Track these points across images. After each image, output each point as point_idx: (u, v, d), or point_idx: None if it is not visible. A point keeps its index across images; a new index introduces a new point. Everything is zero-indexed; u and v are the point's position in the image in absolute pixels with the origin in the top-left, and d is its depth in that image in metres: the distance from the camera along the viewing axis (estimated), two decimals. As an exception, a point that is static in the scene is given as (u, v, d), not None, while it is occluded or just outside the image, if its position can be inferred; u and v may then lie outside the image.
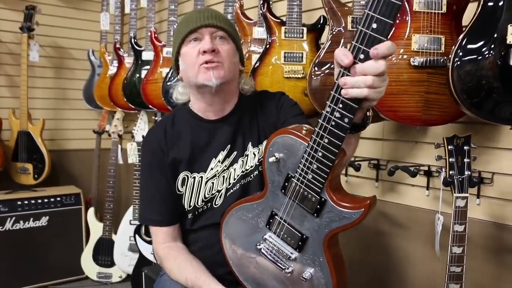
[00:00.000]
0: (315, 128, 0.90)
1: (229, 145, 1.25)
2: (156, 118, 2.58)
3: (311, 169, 0.94)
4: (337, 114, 0.85)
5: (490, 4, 1.14)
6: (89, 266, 2.82)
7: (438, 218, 1.32)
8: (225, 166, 1.24)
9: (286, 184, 1.02)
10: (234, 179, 1.24)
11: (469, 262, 1.23)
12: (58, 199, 2.81)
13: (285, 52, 1.69)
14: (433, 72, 1.30)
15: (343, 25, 1.52)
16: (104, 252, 2.81)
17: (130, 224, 2.69)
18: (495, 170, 1.42)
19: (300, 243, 1.02)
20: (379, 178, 1.76)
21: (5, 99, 2.96)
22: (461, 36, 1.17)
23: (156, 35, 2.42)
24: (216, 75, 1.15)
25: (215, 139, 1.25)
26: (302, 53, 1.69)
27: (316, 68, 1.55)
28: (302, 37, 1.70)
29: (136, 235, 2.52)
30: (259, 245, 1.10)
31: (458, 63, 1.16)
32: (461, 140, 1.22)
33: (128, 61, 2.70)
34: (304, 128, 1.00)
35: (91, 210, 2.92)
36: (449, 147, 1.22)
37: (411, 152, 1.65)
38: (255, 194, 1.16)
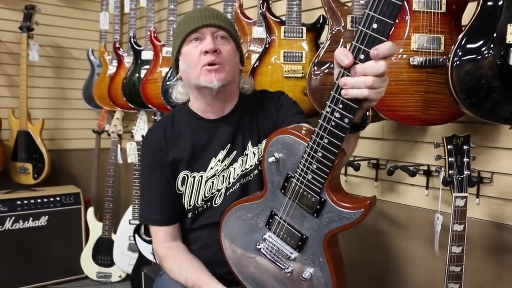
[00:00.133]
0: (315, 128, 0.90)
1: (229, 145, 1.25)
2: (156, 118, 2.58)
3: (310, 169, 0.94)
4: (337, 115, 0.85)
5: (490, 3, 1.14)
6: (88, 265, 2.82)
7: (438, 217, 1.32)
8: (225, 165, 1.24)
9: (286, 184, 1.02)
10: (234, 178, 1.24)
11: (469, 261, 1.23)
12: (58, 198, 2.81)
13: (284, 52, 1.69)
14: (433, 72, 1.30)
15: (343, 24, 1.52)
16: (103, 252, 2.81)
17: (130, 223, 2.69)
18: (494, 169, 1.42)
19: (299, 243, 1.02)
20: (378, 177, 1.76)
21: (5, 99, 2.96)
22: (460, 36, 1.17)
23: (155, 35, 2.42)
24: (218, 78, 1.15)
25: (215, 139, 1.25)
26: (302, 52, 1.69)
27: (315, 68, 1.55)
28: (302, 37, 1.70)
29: (136, 235, 2.52)
30: (259, 245, 1.10)
31: (458, 62, 1.16)
32: (460, 139, 1.22)
33: (128, 60, 2.70)
34: (303, 128, 0.99)
35: (91, 210, 2.92)
36: (449, 146, 1.22)
37: (410, 152, 1.65)
38: (254, 194, 1.16)
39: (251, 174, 1.24)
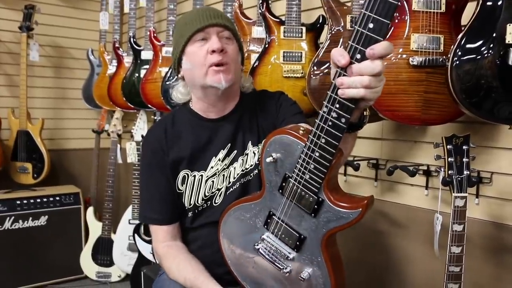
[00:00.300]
0: (312, 128, 0.90)
1: (230, 144, 1.25)
2: (155, 118, 2.58)
3: (308, 169, 0.94)
4: (334, 114, 0.85)
5: (489, 3, 1.14)
6: (88, 265, 2.82)
7: (437, 217, 1.32)
8: (225, 164, 1.25)
9: (284, 184, 1.02)
10: (234, 177, 1.24)
11: (468, 261, 1.23)
12: (57, 198, 2.81)
13: (284, 52, 1.69)
14: (432, 72, 1.30)
15: (342, 24, 1.52)
16: (103, 252, 2.80)
17: (129, 223, 2.69)
18: (494, 169, 1.41)
19: (298, 243, 1.02)
20: (378, 177, 1.76)
21: (5, 99, 2.96)
22: (460, 36, 1.17)
23: (155, 35, 2.42)
24: (225, 79, 1.16)
25: (216, 138, 1.26)
26: (301, 52, 1.68)
27: (315, 68, 1.55)
28: (301, 37, 1.70)
29: (135, 235, 2.52)
30: (257, 245, 1.09)
31: (457, 62, 1.15)
32: (460, 139, 1.22)
33: (127, 60, 2.70)
34: (301, 128, 1.00)
35: (90, 210, 2.92)
36: (448, 146, 1.21)
37: (410, 152, 1.65)
38: (254, 194, 1.16)
39: (251, 174, 1.25)
